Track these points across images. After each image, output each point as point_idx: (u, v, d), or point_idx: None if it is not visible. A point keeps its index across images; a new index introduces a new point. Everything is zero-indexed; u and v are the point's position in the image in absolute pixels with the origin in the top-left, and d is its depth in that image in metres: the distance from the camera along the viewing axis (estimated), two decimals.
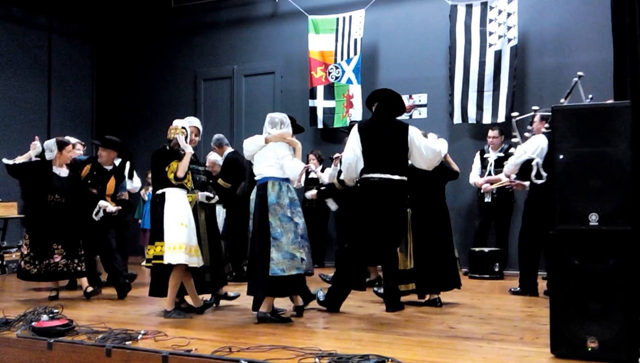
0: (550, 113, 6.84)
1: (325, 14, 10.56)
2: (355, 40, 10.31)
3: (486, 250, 8.55)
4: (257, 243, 5.59)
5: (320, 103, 10.54)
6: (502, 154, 8.77)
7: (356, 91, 10.23)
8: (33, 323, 5.12)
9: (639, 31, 4.49)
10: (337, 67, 10.44)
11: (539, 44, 9.34)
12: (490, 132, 8.86)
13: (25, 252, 6.91)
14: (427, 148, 6.31)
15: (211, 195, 6.53)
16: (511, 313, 6.06)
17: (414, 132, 6.31)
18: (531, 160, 6.69)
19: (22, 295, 7.42)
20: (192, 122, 6.51)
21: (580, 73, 6.88)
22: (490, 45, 9.39)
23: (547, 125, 6.96)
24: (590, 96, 5.32)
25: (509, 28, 9.29)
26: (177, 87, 11.97)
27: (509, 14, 9.27)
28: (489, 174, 8.62)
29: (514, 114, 7.47)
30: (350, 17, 10.34)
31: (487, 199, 8.63)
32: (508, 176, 7.45)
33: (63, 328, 5.03)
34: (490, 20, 9.42)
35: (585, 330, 4.13)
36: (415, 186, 6.37)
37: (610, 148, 4.18)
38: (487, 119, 9.31)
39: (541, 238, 6.68)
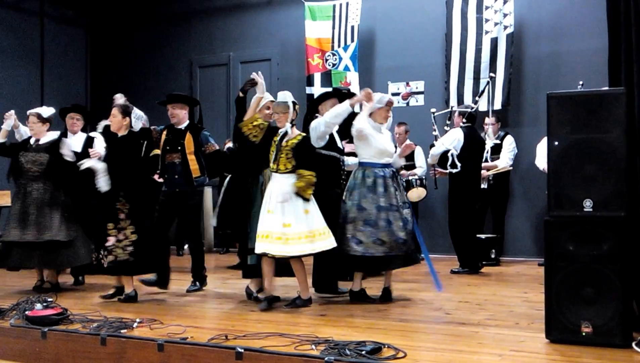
0: (467, 109, 7.93)
1: (322, 0, 10.49)
2: (352, 27, 10.25)
3: (482, 236, 8.54)
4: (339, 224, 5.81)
5: (317, 90, 10.43)
6: (498, 141, 8.83)
7: (354, 78, 10.17)
8: (27, 312, 5.10)
9: (634, 18, 4.47)
10: (334, 54, 10.39)
11: (535, 31, 9.30)
12: (487, 120, 8.85)
13: (129, 242, 6.04)
14: None
15: None
16: (507, 298, 6.08)
17: None
18: (448, 151, 7.59)
19: (16, 284, 7.38)
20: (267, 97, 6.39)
21: (492, 74, 7.32)
22: (487, 32, 9.36)
23: (464, 120, 7.80)
24: (581, 83, 5.36)
25: (505, 15, 9.24)
26: (173, 74, 11.89)
27: (505, 1, 9.21)
28: (485, 161, 8.60)
29: (433, 110, 8.41)
30: (347, 3, 10.27)
31: (484, 185, 8.62)
32: (433, 166, 8.25)
33: (57, 317, 5.01)
34: (487, 8, 9.37)
35: (579, 315, 4.14)
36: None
37: (604, 134, 4.18)
38: (483, 106, 9.28)
39: (468, 219, 7.68)
